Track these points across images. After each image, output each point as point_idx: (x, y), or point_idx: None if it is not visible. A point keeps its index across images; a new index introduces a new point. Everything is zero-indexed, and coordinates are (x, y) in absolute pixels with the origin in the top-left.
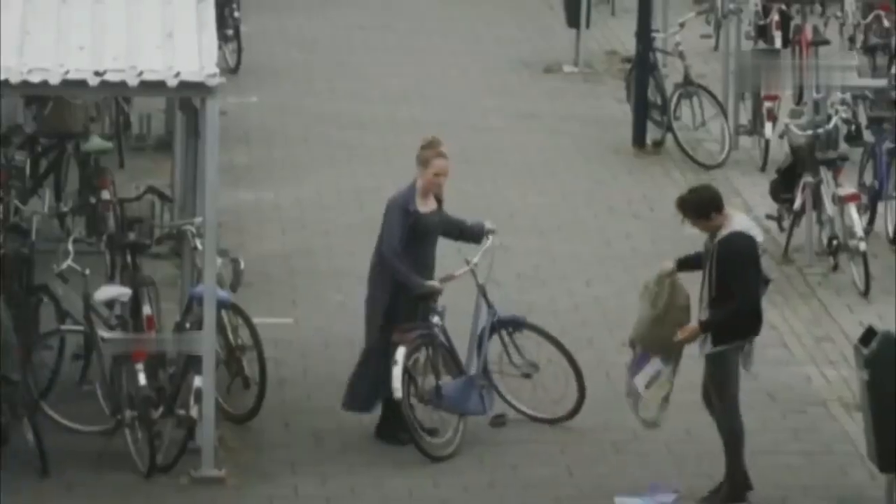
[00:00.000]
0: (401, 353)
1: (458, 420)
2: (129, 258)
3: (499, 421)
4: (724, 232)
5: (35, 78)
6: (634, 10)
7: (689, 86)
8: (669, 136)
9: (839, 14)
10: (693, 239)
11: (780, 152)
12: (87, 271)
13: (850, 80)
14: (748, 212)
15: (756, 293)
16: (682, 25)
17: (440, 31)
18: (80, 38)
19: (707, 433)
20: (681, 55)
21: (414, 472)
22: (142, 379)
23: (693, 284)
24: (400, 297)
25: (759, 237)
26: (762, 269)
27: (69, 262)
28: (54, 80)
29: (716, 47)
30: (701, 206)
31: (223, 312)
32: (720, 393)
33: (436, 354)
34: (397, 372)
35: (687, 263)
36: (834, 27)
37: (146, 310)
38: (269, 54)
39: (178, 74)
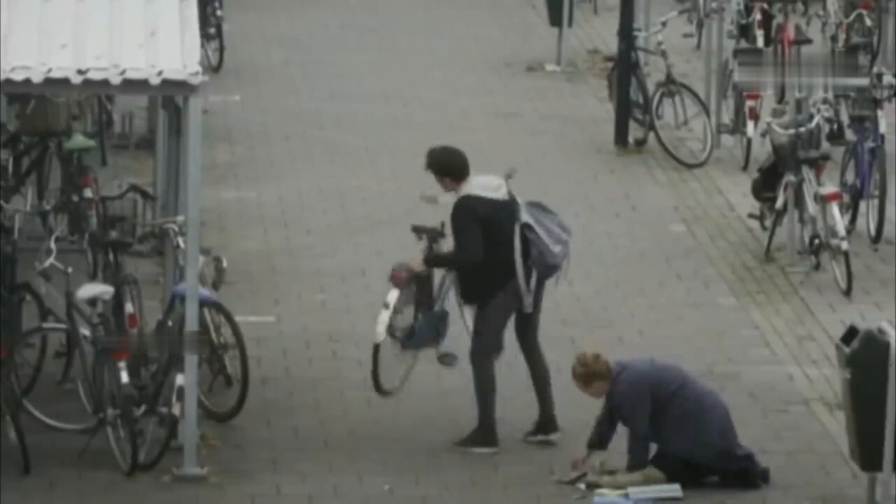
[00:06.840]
0: (393, 296)
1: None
2: (111, 256)
3: (447, 360)
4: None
5: (18, 76)
6: (617, 9)
7: (671, 85)
8: (651, 135)
9: (821, 13)
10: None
11: (762, 151)
12: (70, 269)
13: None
14: (730, 210)
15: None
16: (664, 24)
17: (422, 30)
18: (63, 37)
19: None
20: (663, 54)
21: (395, 469)
22: (124, 377)
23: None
24: None
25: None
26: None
27: (51, 260)
28: (37, 78)
29: (698, 46)
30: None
31: (205, 311)
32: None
33: (420, 291)
34: (384, 316)
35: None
36: (816, 26)
37: (128, 308)
38: (252, 53)
39: (160, 73)
